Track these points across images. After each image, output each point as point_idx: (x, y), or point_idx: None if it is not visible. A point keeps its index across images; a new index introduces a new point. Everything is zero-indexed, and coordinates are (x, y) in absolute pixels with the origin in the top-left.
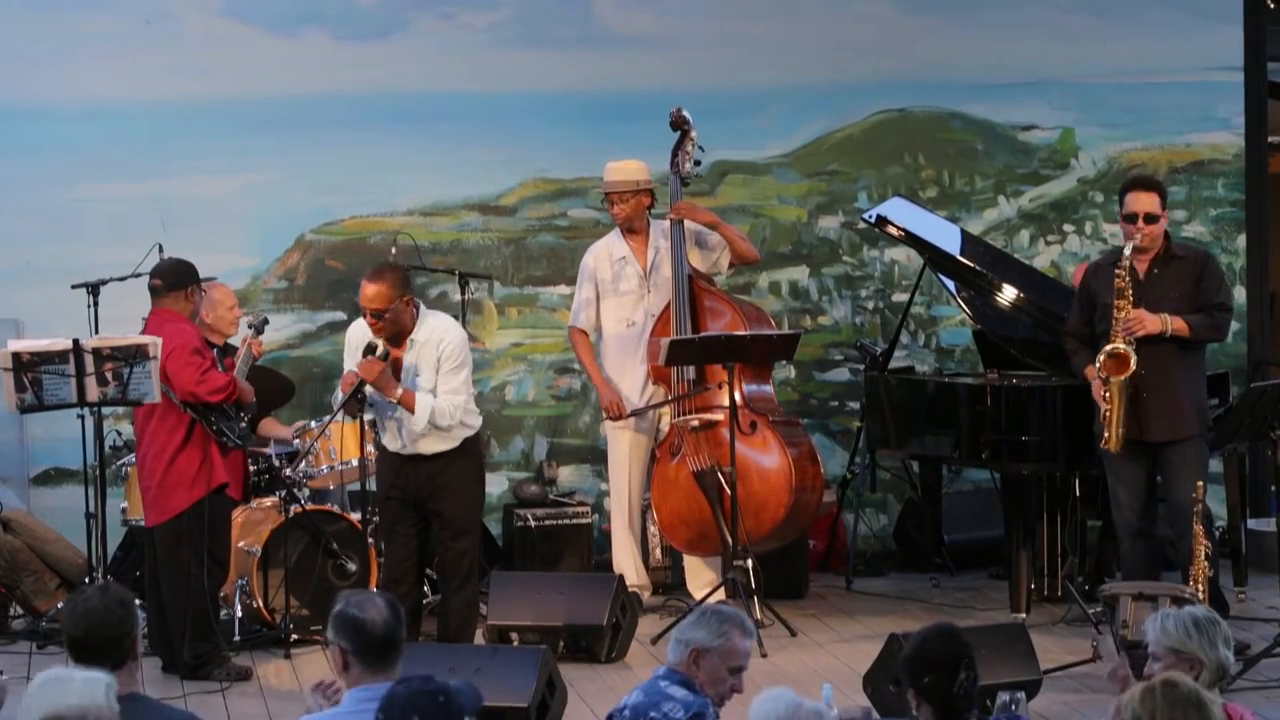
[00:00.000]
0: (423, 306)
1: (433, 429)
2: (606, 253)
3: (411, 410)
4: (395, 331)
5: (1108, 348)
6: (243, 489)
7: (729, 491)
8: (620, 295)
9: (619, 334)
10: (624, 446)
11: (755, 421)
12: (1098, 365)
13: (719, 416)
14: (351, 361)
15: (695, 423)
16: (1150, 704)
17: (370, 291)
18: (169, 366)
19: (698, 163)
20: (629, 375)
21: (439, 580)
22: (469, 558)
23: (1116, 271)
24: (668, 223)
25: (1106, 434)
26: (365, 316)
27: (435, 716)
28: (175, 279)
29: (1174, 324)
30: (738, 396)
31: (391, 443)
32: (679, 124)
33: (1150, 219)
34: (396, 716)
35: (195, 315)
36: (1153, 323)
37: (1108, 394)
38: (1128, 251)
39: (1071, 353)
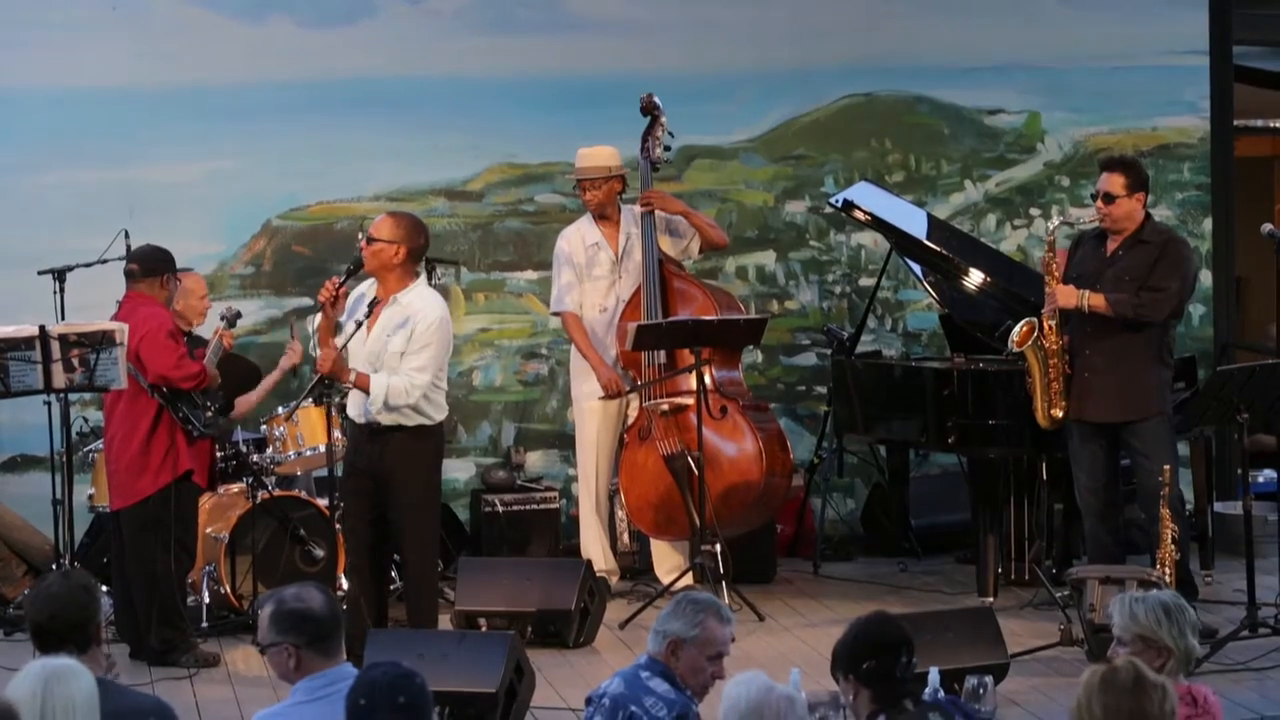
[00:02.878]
0: (422, 279)
1: (386, 409)
2: (579, 238)
3: (367, 392)
4: (376, 267)
5: (1025, 320)
6: (209, 477)
7: (698, 476)
8: (593, 281)
9: (591, 319)
10: (592, 431)
11: (725, 406)
12: (1013, 340)
13: (689, 401)
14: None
15: (665, 407)
16: (1090, 689)
17: (379, 219)
18: (142, 350)
19: (668, 148)
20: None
21: (400, 565)
22: (425, 540)
23: (1045, 243)
24: (638, 208)
25: (1034, 407)
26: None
27: (419, 697)
28: (151, 265)
29: (1091, 299)
30: (708, 381)
31: (352, 409)
32: (649, 109)
33: (1107, 199)
34: (384, 700)
35: (170, 303)
36: (1066, 297)
37: (1025, 367)
38: (1051, 225)
39: None
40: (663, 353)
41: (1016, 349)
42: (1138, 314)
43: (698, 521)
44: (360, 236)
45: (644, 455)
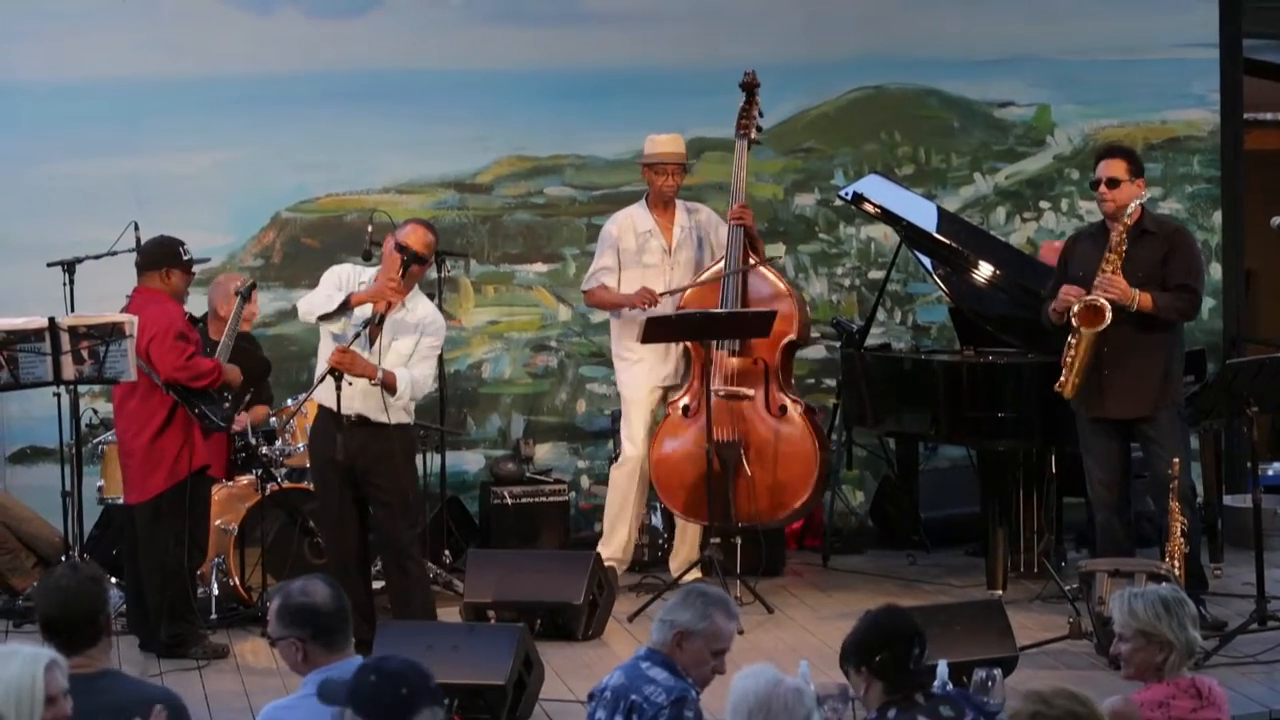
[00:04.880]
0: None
1: (408, 400)
2: (631, 223)
3: (394, 389)
4: (412, 281)
5: (1088, 297)
6: (225, 468)
7: (746, 470)
8: (644, 268)
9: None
10: (638, 389)
11: (785, 405)
12: (1073, 313)
13: (751, 393)
14: (335, 296)
15: (723, 391)
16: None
17: (429, 238)
18: (152, 350)
19: (760, 129)
20: (653, 348)
21: (386, 562)
22: (412, 533)
23: (1118, 226)
24: (705, 215)
25: (1063, 379)
26: (403, 255)
27: (424, 683)
28: (150, 258)
29: (1141, 298)
30: (772, 378)
31: (332, 400)
32: (750, 87)
33: (1112, 183)
34: (388, 690)
35: (177, 296)
36: (1119, 291)
37: (1074, 340)
38: (1129, 215)
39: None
40: (738, 342)
41: (1084, 329)
42: (1181, 316)
43: (733, 512)
44: (370, 229)
45: (684, 431)
